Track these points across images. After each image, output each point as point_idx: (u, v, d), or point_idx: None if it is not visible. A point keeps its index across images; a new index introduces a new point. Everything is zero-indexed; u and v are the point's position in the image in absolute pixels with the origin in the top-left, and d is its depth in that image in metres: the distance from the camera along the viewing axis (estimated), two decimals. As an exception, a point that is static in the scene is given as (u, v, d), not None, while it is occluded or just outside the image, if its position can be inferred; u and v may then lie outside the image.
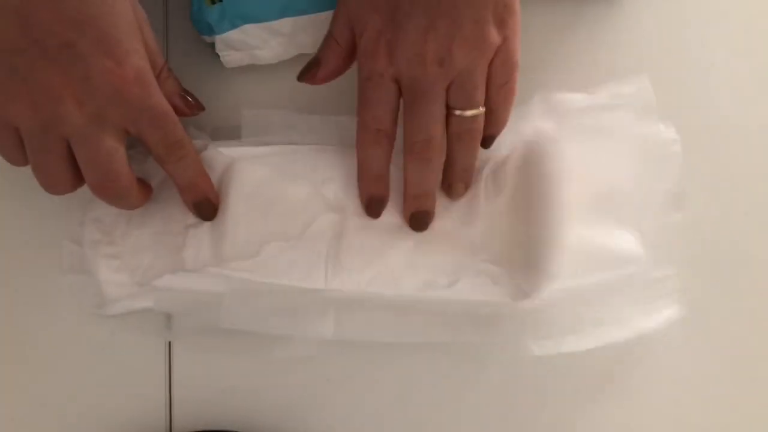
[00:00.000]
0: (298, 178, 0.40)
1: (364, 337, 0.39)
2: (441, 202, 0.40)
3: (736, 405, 0.41)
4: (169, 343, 0.41)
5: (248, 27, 0.42)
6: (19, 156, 0.35)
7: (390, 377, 0.41)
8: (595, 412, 0.41)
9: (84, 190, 0.36)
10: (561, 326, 0.39)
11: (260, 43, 0.43)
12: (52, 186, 0.36)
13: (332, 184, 0.40)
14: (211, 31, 0.42)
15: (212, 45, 0.43)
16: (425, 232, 0.40)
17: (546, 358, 0.39)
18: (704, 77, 0.47)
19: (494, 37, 0.36)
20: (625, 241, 0.38)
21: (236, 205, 0.39)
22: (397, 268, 0.39)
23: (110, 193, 0.36)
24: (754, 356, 0.42)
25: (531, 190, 0.39)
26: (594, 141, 0.39)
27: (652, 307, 0.40)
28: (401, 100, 0.37)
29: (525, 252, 0.38)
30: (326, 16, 0.42)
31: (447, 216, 0.41)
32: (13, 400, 0.39)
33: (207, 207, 0.39)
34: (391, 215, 0.40)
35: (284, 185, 0.40)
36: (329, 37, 0.39)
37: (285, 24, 0.42)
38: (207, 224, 0.40)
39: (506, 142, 0.40)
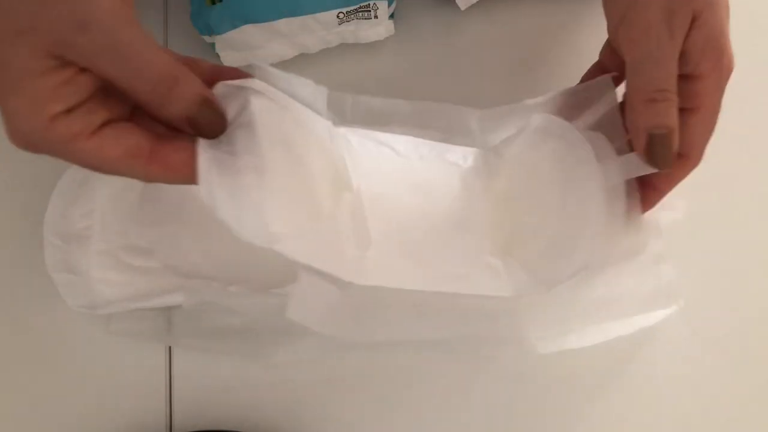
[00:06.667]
0: (316, 145, 0.35)
1: (371, 338, 0.38)
2: (446, 184, 0.39)
3: (736, 404, 0.41)
4: (169, 343, 0.41)
5: (248, 27, 0.42)
6: None
7: (390, 377, 0.41)
8: (595, 411, 0.41)
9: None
10: (563, 324, 0.39)
11: (260, 43, 0.43)
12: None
13: (341, 161, 0.36)
14: (211, 31, 0.42)
15: (212, 45, 0.43)
16: (432, 219, 0.38)
17: (547, 357, 0.39)
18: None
19: None
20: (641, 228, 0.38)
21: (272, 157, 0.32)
22: (412, 258, 0.36)
23: None
24: (754, 355, 0.42)
25: (556, 176, 0.37)
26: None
27: (653, 304, 0.40)
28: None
29: (549, 241, 0.37)
30: (326, 16, 0.42)
31: (453, 199, 0.38)
32: (13, 400, 0.39)
33: (214, 113, 0.30)
34: (397, 199, 0.38)
35: (303, 142, 0.35)
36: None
37: (285, 24, 0.42)
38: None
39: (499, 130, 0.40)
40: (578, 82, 0.41)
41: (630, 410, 0.41)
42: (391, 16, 0.45)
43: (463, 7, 0.46)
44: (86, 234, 0.39)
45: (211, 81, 0.32)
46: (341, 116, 0.38)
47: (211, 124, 0.30)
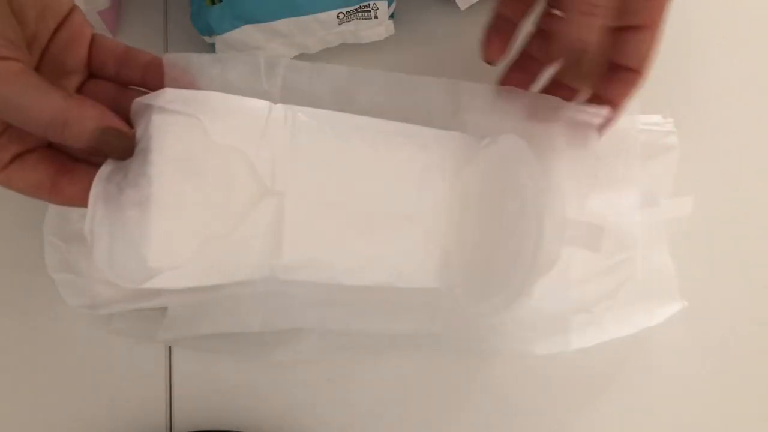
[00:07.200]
0: (229, 153, 0.33)
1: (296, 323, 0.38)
2: (393, 180, 0.36)
3: (736, 404, 0.41)
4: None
5: (248, 27, 0.42)
6: None
7: (390, 377, 0.41)
8: (595, 412, 0.41)
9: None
10: (562, 325, 0.39)
11: (260, 44, 0.43)
12: None
13: (268, 162, 0.33)
14: (211, 32, 0.42)
15: (212, 45, 0.43)
16: (370, 215, 0.35)
17: (547, 357, 0.39)
18: (703, 77, 0.47)
19: None
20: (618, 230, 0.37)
21: (161, 180, 0.31)
22: (336, 255, 0.35)
23: None
24: (753, 355, 0.42)
25: (506, 200, 0.35)
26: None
27: (652, 305, 0.40)
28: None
29: (492, 260, 0.35)
30: (326, 16, 0.42)
31: (398, 196, 0.36)
32: (13, 400, 0.39)
33: (117, 138, 0.31)
34: (336, 194, 0.35)
35: (210, 154, 0.33)
36: None
37: (285, 24, 0.42)
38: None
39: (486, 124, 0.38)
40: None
41: (630, 410, 0.41)
42: (391, 16, 0.45)
43: (463, 7, 0.46)
44: (83, 233, 0.39)
45: (144, 76, 0.34)
46: (297, 90, 0.36)
47: (116, 149, 0.31)
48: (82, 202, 0.32)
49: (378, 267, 0.35)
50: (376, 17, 0.44)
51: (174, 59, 0.33)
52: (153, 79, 0.34)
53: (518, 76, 0.40)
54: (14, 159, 0.31)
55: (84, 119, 0.30)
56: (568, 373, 0.41)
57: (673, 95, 0.45)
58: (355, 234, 0.35)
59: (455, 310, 0.37)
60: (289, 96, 0.36)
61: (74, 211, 0.38)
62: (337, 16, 0.43)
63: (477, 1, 0.46)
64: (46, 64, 0.32)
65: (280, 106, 0.35)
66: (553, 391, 0.41)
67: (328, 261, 0.35)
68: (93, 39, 0.34)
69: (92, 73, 0.34)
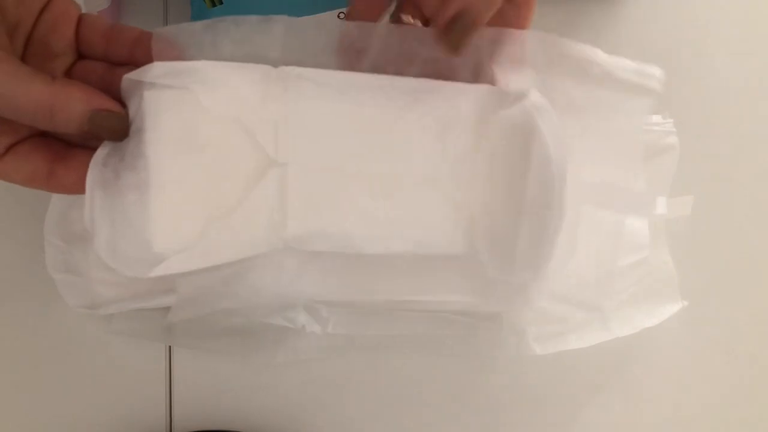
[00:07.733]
0: (229, 125, 0.31)
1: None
2: (412, 140, 0.33)
3: (736, 404, 0.41)
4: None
5: (248, 28, 0.42)
6: None
7: (390, 377, 0.41)
8: (596, 411, 0.41)
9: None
10: (562, 324, 0.39)
11: (260, 45, 0.43)
12: None
13: (270, 130, 0.32)
14: (212, 32, 0.42)
15: (212, 46, 0.43)
16: (387, 179, 0.33)
17: (547, 357, 0.39)
18: (704, 77, 0.47)
19: None
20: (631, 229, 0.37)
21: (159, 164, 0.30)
22: (351, 224, 0.33)
23: None
24: (753, 355, 0.42)
25: (528, 166, 0.32)
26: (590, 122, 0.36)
27: (652, 305, 0.40)
28: None
29: (518, 229, 0.33)
30: (326, 16, 0.42)
31: (418, 156, 0.33)
32: (13, 400, 0.39)
33: (109, 120, 0.30)
34: (347, 160, 0.33)
35: (208, 127, 0.31)
36: None
37: (285, 25, 0.42)
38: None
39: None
40: None
41: (630, 410, 0.41)
42: (392, 16, 0.45)
43: None
44: (87, 235, 0.39)
45: (133, 52, 0.32)
46: (300, 50, 0.33)
47: (110, 131, 0.30)
48: (80, 189, 0.30)
49: (398, 234, 0.33)
50: (375, 18, 0.44)
51: (163, 32, 0.31)
52: (142, 54, 0.32)
53: (365, 5, 0.34)
54: (8, 150, 0.30)
55: (71, 103, 0.28)
56: (568, 373, 0.41)
57: (673, 95, 0.45)
58: (370, 200, 0.33)
59: (481, 277, 0.35)
60: (291, 57, 0.33)
61: (75, 211, 0.38)
62: (338, 16, 0.43)
63: (477, 2, 0.46)
64: (32, 49, 0.31)
65: (281, 68, 0.33)
66: (553, 391, 0.41)
67: (342, 230, 0.33)
68: (80, 19, 0.33)
69: (81, 54, 0.33)
